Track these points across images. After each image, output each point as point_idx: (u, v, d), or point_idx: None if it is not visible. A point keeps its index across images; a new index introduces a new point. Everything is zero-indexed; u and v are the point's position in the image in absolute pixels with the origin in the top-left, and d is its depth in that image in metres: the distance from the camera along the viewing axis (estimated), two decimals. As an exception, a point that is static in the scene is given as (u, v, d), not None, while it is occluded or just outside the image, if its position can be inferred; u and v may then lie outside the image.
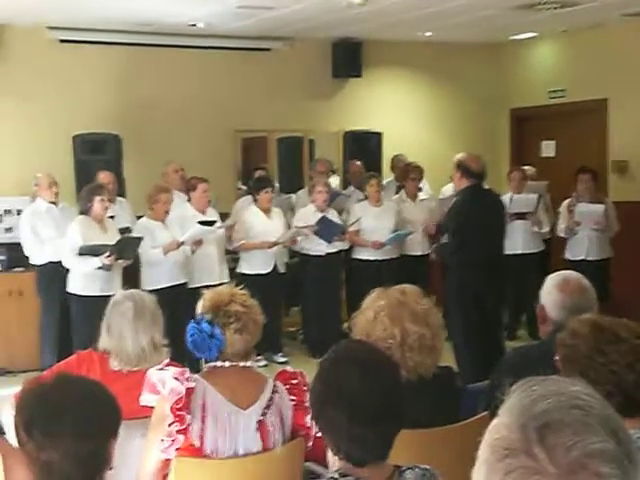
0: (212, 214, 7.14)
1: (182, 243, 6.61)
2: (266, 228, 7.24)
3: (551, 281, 3.23)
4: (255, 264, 7.28)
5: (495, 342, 5.86)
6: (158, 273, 6.57)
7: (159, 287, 6.29)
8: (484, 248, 5.80)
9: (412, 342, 2.66)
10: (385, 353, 2.08)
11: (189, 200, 7.08)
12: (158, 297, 3.53)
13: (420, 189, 8.35)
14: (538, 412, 1.02)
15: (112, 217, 6.65)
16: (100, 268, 6.12)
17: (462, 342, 6.06)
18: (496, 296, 5.91)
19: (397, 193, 8.35)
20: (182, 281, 6.68)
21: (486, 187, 6.21)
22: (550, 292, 3.19)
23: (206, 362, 2.80)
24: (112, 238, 6.25)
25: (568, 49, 9.43)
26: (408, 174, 8.11)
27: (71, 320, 6.35)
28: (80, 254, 6.12)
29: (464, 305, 5.90)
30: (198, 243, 6.76)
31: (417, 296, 2.78)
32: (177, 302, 5.93)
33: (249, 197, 7.62)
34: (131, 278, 6.67)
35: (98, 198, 6.23)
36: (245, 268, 7.34)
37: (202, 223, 6.74)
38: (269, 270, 7.28)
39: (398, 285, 2.85)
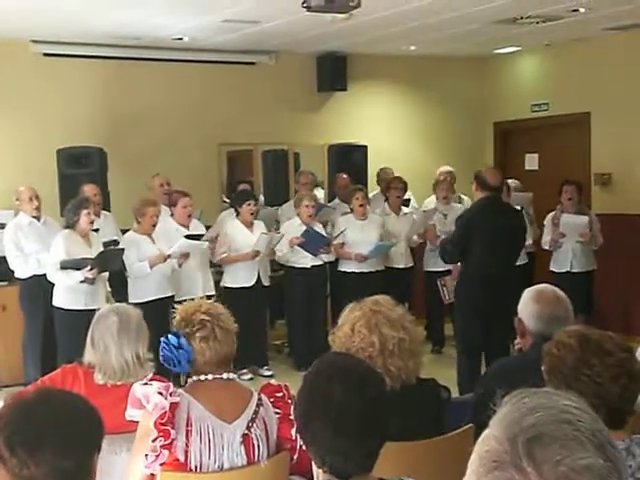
0: (197, 227, 7.14)
1: (169, 256, 6.60)
2: (248, 241, 7.23)
3: (527, 294, 3.28)
4: (238, 277, 7.28)
5: (501, 355, 5.83)
6: (145, 286, 6.56)
7: (146, 300, 6.28)
8: (492, 261, 5.80)
9: (392, 347, 2.70)
10: (369, 365, 2.09)
11: (172, 215, 7.08)
12: (145, 310, 3.53)
13: (408, 202, 8.38)
14: (527, 425, 1.02)
15: (96, 230, 6.63)
16: (83, 282, 6.10)
17: (461, 352, 6.10)
18: (503, 309, 5.86)
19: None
20: (169, 294, 6.67)
21: (504, 201, 6.24)
22: (526, 304, 3.25)
23: (188, 376, 2.80)
24: (96, 252, 6.24)
25: (551, 63, 9.51)
26: (390, 184, 8.16)
27: (56, 334, 6.32)
28: (62, 268, 6.10)
29: (466, 317, 5.94)
30: (185, 256, 6.75)
31: (390, 303, 2.84)
32: (164, 315, 5.88)
33: (232, 210, 7.62)
34: (119, 291, 6.65)
35: (85, 212, 6.22)
36: (229, 282, 7.34)
37: (189, 237, 6.74)
38: (252, 283, 7.28)
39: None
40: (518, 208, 7.33)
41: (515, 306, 5.43)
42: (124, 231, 6.96)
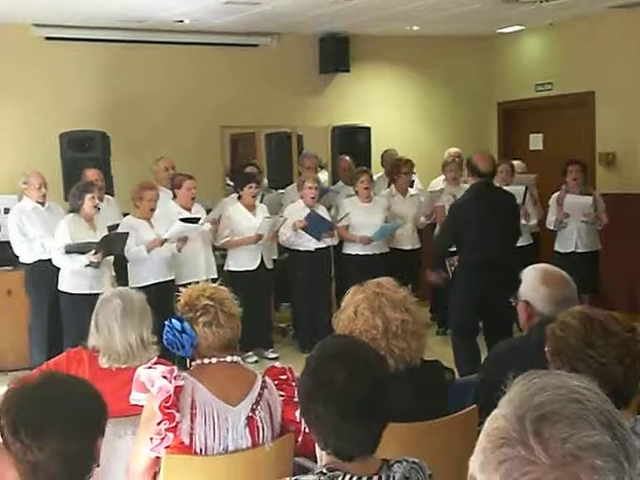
0: (198, 211, 7.12)
1: (165, 240, 6.59)
2: (250, 224, 7.22)
3: (532, 276, 3.20)
4: (241, 261, 7.28)
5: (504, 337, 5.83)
6: (144, 270, 6.56)
7: (146, 284, 6.28)
8: (488, 246, 5.79)
9: (395, 329, 2.70)
10: (371, 347, 2.09)
11: (174, 197, 7.07)
12: (145, 294, 3.54)
13: (412, 183, 8.35)
14: (536, 404, 1.03)
15: (97, 209, 6.59)
16: (88, 265, 6.11)
17: (458, 337, 6.10)
18: (502, 293, 5.84)
19: (389, 187, 8.35)
20: (169, 278, 6.67)
21: (496, 185, 6.22)
22: (536, 287, 3.15)
23: (192, 360, 2.81)
24: (100, 236, 6.24)
25: (555, 42, 9.45)
26: (399, 168, 8.10)
27: (61, 318, 6.34)
28: (66, 252, 6.11)
29: (464, 302, 5.93)
30: (183, 240, 6.74)
31: (393, 285, 2.84)
32: (165, 299, 5.90)
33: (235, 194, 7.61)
34: (123, 276, 6.66)
35: (89, 196, 6.22)
36: (232, 265, 7.34)
37: (185, 220, 6.72)
38: (255, 266, 7.27)
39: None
40: (521, 188, 7.32)
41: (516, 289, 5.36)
42: (127, 215, 6.95)
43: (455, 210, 6.05)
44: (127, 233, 6.45)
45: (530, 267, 3.28)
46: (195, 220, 6.80)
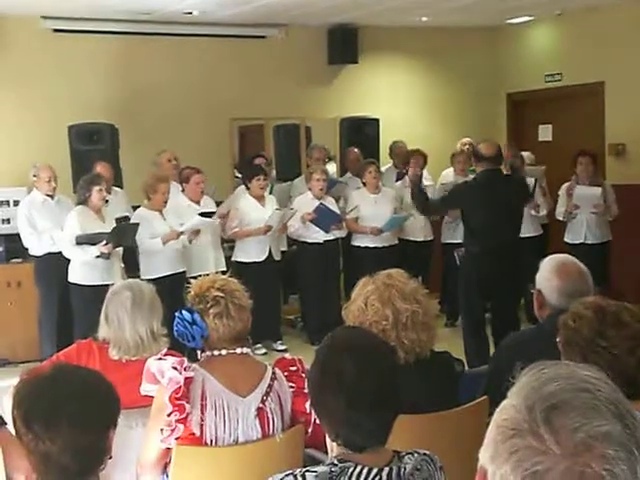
0: (209, 204, 7.14)
1: (182, 233, 6.61)
2: (260, 215, 7.22)
3: (548, 266, 3.19)
4: (250, 252, 7.28)
5: (508, 327, 5.83)
6: (157, 262, 6.58)
7: (158, 276, 6.30)
8: (493, 233, 5.78)
9: (405, 320, 2.70)
10: (381, 338, 2.09)
11: (183, 190, 7.07)
12: (157, 286, 3.54)
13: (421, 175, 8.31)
14: (546, 394, 1.02)
15: (106, 202, 6.60)
16: (99, 257, 6.12)
17: (466, 327, 6.10)
18: (509, 281, 5.84)
19: (397, 179, 8.33)
20: (181, 270, 6.68)
21: (502, 171, 6.21)
22: (549, 278, 3.15)
23: (202, 351, 2.81)
24: (110, 227, 6.25)
25: (564, 32, 9.40)
26: (412, 160, 8.06)
27: (72, 310, 6.36)
28: (77, 243, 6.13)
29: (469, 290, 5.92)
30: (195, 233, 6.76)
31: (403, 277, 2.84)
32: (176, 291, 5.91)
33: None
34: (132, 267, 6.67)
35: (96, 188, 6.24)
36: (240, 256, 7.34)
37: (202, 214, 6.74)
38: (264, 258, 7.28)
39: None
40: (530, 180, 7.29)
41: (522, 276, 5.34)
42: (135, 207, 6.96)
43: (459, 194, 6.04)
44: (137, 224, 6.47)
45: (551, 256, 3.27)
46: (211, 214, 6.84)
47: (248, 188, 7.37)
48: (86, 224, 6.18)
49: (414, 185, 6.21)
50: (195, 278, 2.98)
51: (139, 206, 6.81)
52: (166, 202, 6.66)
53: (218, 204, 7.39)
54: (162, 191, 6.60)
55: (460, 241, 7.34)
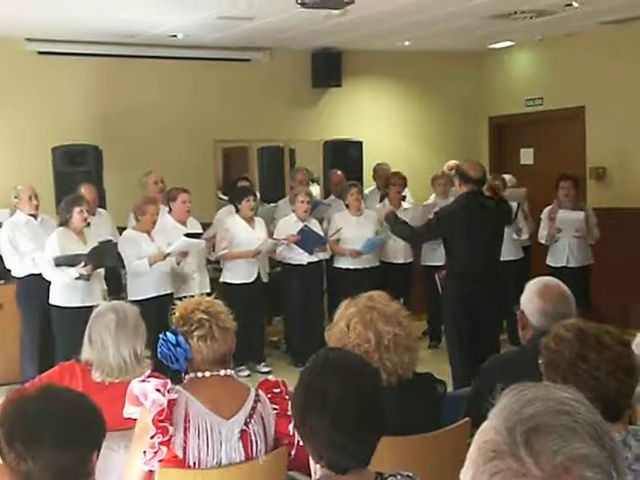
0: (193, 225, 7.14)
1: (168, 254, 6.60)
2: (249, 237, 7.25)
3: (531, 287, 3.23)
4: (239, 274, 7.29)
5: (490, 349, 5.84)
6: (144, 284, 6.56)
7: (145, 297, 6.29)
8: (477, 258, 5.78)
9: (387, 342, 2.71)
10: (364, 359, 2.10)
11: (170, 211, 7.08)
12: (144, 307, 3.54)
13: (404, 197, 8.38)
14: (526, 416, 1.03)
15: (88, 224, 6.56)
16: (78, 278, 6.09)
17: (453, 351, 6.09)
18: (492, 304, 5.84)
19: (381, 201, 8.38)
20: (169, 291, 6.67)
21: (486, 195, 6.23)
22: (531, 299, 3.19)
23: (185, 373, 2.81)
24: (92, 249, 6.23)
25: (545, 58, 9.52)
26: (391, 182, 8.15)
27: (53, 332, 6.32)
28: (56, 265, 6.09)
29: (456, 315, 5.91)
30: (184, 255, 6.76)
31: (385, 299, 2.85)
32: (164, 312, 5.88)
33: (230, 207, 7.62)
34: (116, 289, 6.65)
35: (77, 209, 6.22)
36: (229, 278, 7.35)
37: (188, 235, 6.74)
38: (252, 279, 7.29)
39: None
40: (513, 204, 7.33)
41: (504, 299, 5.37)
42: (120, 228, 6.94)
43: (446, 216, 6.01)
44: (115, 243, 6.45)
45: (536, 279, 3.30)
46: (198, 235, 6.85)
47: (238, 210, 7.38)
48: (67, 245, 6.15)
49: (390, 222, 6.24)
50: (180, 299, 2.98)
51: (124, 227, 6.80)
52: (154, 224, 6.66)
53: (202, 225, 7.39)
54: (150, 212, 6.61)
55: (441, 263, 7.39)
